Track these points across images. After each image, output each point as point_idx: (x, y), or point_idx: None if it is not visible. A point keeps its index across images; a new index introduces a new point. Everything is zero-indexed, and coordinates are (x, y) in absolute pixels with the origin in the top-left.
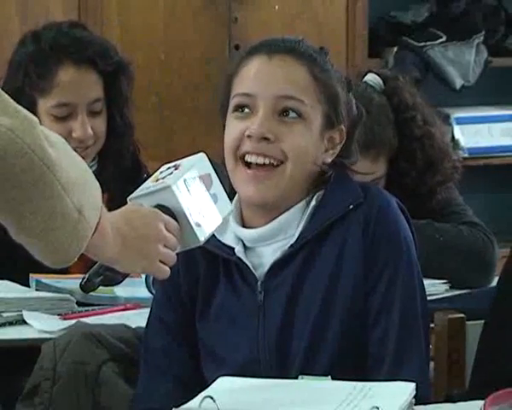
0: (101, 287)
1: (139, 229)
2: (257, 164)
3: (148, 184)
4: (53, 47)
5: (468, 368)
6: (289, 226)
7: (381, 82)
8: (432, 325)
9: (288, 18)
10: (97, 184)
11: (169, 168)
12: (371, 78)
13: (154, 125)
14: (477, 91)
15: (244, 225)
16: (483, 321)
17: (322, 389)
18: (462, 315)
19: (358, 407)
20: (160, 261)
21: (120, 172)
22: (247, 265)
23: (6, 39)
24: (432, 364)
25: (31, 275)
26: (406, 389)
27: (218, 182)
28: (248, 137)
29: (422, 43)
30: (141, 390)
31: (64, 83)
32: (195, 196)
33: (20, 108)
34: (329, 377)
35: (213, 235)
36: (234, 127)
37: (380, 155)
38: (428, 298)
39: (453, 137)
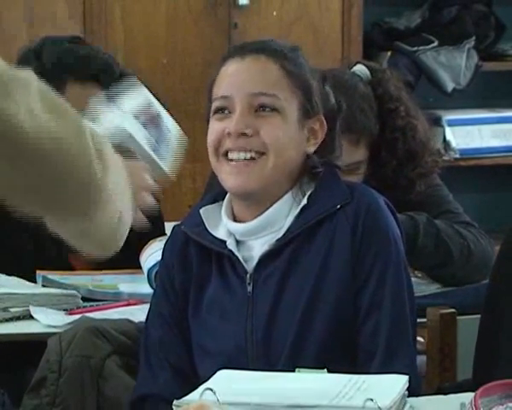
0: (105, 283)
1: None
2: (238, 159)
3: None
4: (57, 66)
5: (460, 362)
6: (277, 220)
7: (368, 73)
8: (424, 320)
9: (285, 24)
10: (128, 183)
11: (111, 106)
12: (359, 68)
13: None
14: (468, 94)
15: (235, 220)
16: (474, 316)
17: (319, 381)
18: (453, 310)
19: (353, 399)
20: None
21: None
22: (237, 257)
23: (13, 44)
24: (424, 357)
25: (37, 271)
26: (399, 382)
27: (158, 102)
28: (228, 134)
29: (415, 48)
30: (140, 378)
31: (70, 101)
32: (146, 126)
33: (69, 107)
34: (325, 369)
35: (206, 229)
36: (215, 127)
37: (360, 141)
38: (420, 294)
39: (445, 138)
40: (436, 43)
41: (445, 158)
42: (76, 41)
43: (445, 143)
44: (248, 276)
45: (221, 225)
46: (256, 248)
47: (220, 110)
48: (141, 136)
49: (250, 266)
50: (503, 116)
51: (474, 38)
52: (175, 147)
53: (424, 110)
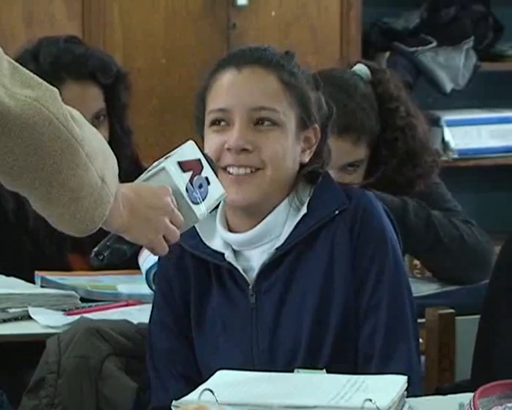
0: (104, 283)
1: (148, 199)
2: (238, 174)
3: (144, 175)
4: (54, 66)
5: (458, 362)
6: (274, 228)
7: (368, 72)
8: (423, 321)
9: (284, 24)
10: (112, 152)
11: (161, 160)
12: (359, 67)
13: (154, 128)
14: (466, 95)
15: (230, 230)
16: (473, 316)
17: (317, 381)
18: (452, 311)
19: (352, 400)
20: (164, 238)
21: (120, 175)
22: (237, 269)
23: (11, 44)
24: (423, 358)
25: (36, 272)
26: (398, 382)
27: (209, 166)
28: (228, 149)
29: (414, 49)
30: (154, 391)
31: (68, 100)
32: (189, 178)
33: (40, 80)
34: (324, 370)
35: (202, 241)
36: (213, 141)
37: (360, 139)
38: (420, 294)
39: (443, 138)
40: (435, 44)
41: (444, 158)
42: (72, 40)
43: (444, 143)
44: (251, 287)
45: (216, 235)
46: (254, 258)
47: (217, 121)
48: (181, 181)
49: (250, 277)
50: (502, 116)
51: (472, 38)
52: (213, 201)
53: (423, 111)
